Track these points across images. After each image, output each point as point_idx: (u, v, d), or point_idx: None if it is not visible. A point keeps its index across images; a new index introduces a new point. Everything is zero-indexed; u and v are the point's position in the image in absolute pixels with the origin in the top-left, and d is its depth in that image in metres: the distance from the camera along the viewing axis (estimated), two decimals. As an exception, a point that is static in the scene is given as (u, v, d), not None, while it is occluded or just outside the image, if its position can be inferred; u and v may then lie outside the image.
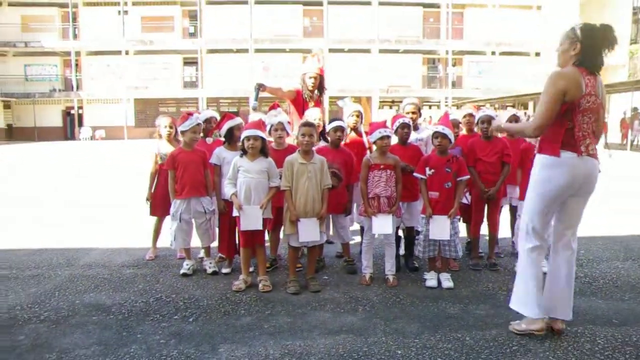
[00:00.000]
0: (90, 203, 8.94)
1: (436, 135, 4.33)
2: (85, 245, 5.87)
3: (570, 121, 3.10)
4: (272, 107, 4.84)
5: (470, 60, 37.43)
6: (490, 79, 36.33)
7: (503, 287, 4.29)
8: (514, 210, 5.20)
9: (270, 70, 35.56)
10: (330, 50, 34.33)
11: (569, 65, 3.12)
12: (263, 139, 4.24)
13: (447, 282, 4.29)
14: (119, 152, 23.31)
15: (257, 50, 35.32)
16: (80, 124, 35.84)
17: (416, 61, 37.23)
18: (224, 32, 35.18)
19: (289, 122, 4.75)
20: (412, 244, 4.93)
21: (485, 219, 4.91)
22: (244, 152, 4.23)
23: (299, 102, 5.42)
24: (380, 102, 36.54)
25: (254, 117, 4.83)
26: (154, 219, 5.32)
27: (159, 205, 5.15)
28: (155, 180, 5.21)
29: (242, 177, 4.19)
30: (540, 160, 3.23)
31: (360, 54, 35.41)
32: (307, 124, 4.28)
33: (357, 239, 5.40)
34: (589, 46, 3.04)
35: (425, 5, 36.72)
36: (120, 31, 34.90)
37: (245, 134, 4.19)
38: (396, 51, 36.50)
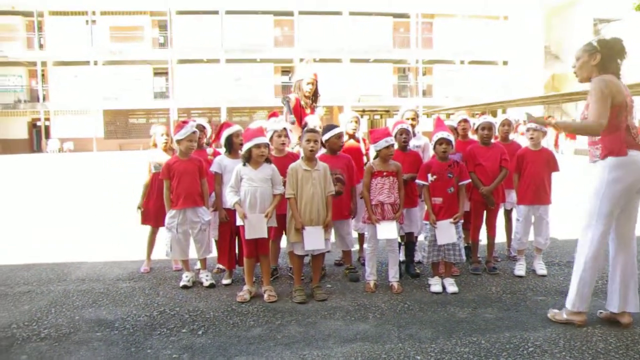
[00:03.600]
0: (72, 216, 8.69)
1: (441, 141, 4.37)
2: (73, 259, 5.69)
3: (624, 121, 3.32)
4: (272, 115, 4.81)
5: (440, 69, 38.14)
6: (459, 88, 37.06)
7: (507, 290, 4.34)
8: (508, 214, 5.29)
9: (241, 80, 35.49)
10: (301, 60, 34.48)
11: (593, 75, 3.37)
12: (268, 147, 4.22)
13: (451, 287, 4.31)
14: (90, 164, 22.76)
15: (228, 60, 35.21)
16: (47, 136, 34.91)
17: (387, 70, 37.72)
18: (195, 42, 34.95)
19: (291, 131, 4.73)
20: (412, 250, 4.97)
21: (484, 224, 4.98)
22: (247, 160, 4.19)
23: (297, 110, 5.42)
24: (353, 110, 36.93)
25: (255, 124, 4.80)
26: (148, 230, 5.20)
27: (152, 215, 5.05)
28: (148, 189, 5.12)
29: (247, 186, 4.15)
30: (607, 164, 3.35)
31: (332, 63, 35.65)
32: (312, 130, 4.27)
33: (356, 246, 5.39)
34: (608, 55, 3.34)
35: (395, 15, 37.29)
36: (89, 41, 34.27)
37: (254, 141, 4.14)
38: (367, 60, 36.92)
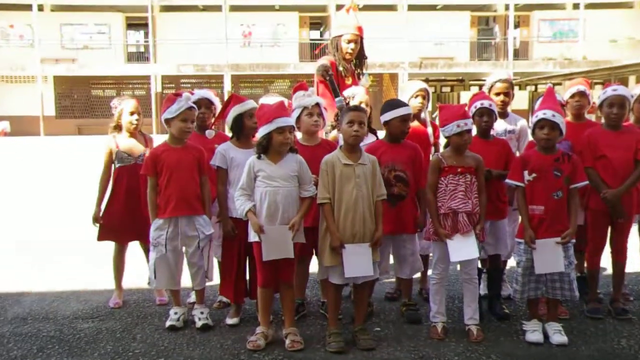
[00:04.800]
0: (7, 228, 8.96)
1: (542, 124, 4.37)
2: (10, 288, 5.85)
3: None
4: (299, 87, 4.89)
5: (542, 17, 37.61)
6: (570, 45, 36.43)
7: (643, 344, 4.33)
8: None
9: (252, 36, 35.79)
10: (338, 7, 34.48)
11: None
12: (293, 131, 4.33)
13: (558, 335, 4.31)
14: (35, 152, 23.09)
15: (234, 8, 35.47)
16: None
17: (462, 20, 37.44)
18: (185, -19, 35.38)
19: (324, 108, 4.82)
20: (499, 280, 4.99)
21: (607, 245, 4.94)
22: (264, 150, 4.29)
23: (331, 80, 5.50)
24: (412, 80, 36.72)
25: (266, 100, 4.91)
26: (112, 248, 5.37)
27: (116, 226, 5.21)
28: (110, 190, 5.29)
29: (263, 187, 4.25)
30: None
31: (382, 12, 35.54)
32: (356, 108, 4.33)
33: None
34: None
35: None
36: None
37: (275, 124, 4.22)
38: (433, 7, 36.75)
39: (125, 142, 5.27)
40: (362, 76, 5.84)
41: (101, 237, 5.31)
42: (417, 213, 4.80)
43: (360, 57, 5.68)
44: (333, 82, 5.40)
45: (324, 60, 5.65)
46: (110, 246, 5.41)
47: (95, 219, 5.25)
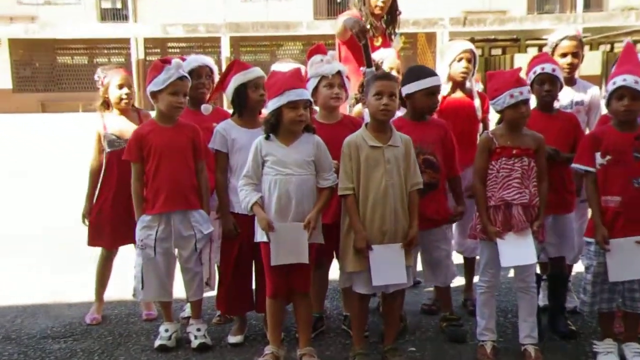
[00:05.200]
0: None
1: (621, 93, 4.31)
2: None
3: None
4: (315, 51, 4.91)
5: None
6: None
7: None
8: None
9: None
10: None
11: None
12: (311, 106, 4.35)
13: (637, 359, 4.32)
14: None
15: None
16: None
17: (517, -36, 37.20)
18: None
19: (347, 77, 4.84)
20: (563, 289, 5.00)
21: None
22: (273, 129, 4.32)
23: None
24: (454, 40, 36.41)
25: (279, 67, 4.93)
26: (97, 252, 5.42)
27: (106, 228, 5.25)
28: (100, 183, 5.33)
29: (273, 174, 4.28)
30: None
31: (417, -46, 35.43)
32: (385, 76, 4.35)
33: (458, 281, 5.49)
34: None
35: None
36: None
37: (287, 96, 4.23)
38: (480, -53, 36.52)
39: (115, 122, 5.30)
40: (394, 36, 5.86)
41: (93, 241, 5.35)
42: (446, 205, 4.84)
43: (392, 12, 5.71)
44: (368, 46, 5.38)
45: (346, 16, 5.65)
46: (89, 253, 5.48)
47: (85, 216, 5.32)
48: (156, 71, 4.72)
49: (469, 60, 5.25)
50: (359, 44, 5.49)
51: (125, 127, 5.25)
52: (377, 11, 5.65)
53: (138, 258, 4.79)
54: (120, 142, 5.20)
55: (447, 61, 5.26)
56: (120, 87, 5.30)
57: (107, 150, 5.26)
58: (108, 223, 5.23)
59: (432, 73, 4.83)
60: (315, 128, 4.44)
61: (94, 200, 5.34)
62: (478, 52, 5.62)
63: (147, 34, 35.73)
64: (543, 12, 37.64)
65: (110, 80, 5.33)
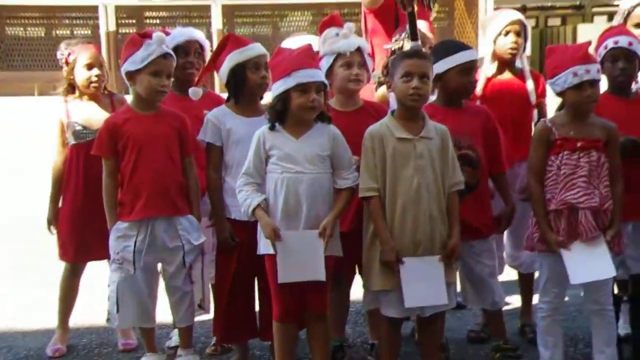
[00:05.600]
0: None
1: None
2: None
3: None
4: (329, 23, 4.95)
5: None
6: None
7: None
8: None
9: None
10: None
11: None
12: (325, 89, 4.38)
13: None
14: None
15: None
16: None
17: None
18: None
19: (369, 54, 4.89)
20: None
21: None
22: (279, 118, 4.36)
23: (389, 8, 5.58)
24: (498, 9, 36.35)
25: (291, 43, 4.97)
26: (62, 267, 5.45)
27: (71, 239, 5.28)
28: (65, 184, 5.36)
29: (279, 172, 4.32)
30: None
31: None
32: (415, 54, 4.38)
33: (514, 302, 5.54)
34: None
35: None
36: None
37: (296, 77, 4.23)
38: None
39: (82, 109, 5.30)
40: (433, 3, 5.89)
41: (63, 255, 5.35)
42: (490, 211, 4.85)
43: None
44: (415, 15, 5.26)
45: None
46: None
47: (51, 223, 5.34)
48: (133, 47, 4.72)
49: (517, 34, 5.22)
50: (389, 14, 5.56)
51: (95, 115, 5.24)
52: None
53: (113, 275, 4.79)
54: (88, 133, 5.20)
55: (491, 36, 5.24)
56: (90, 67, 5.28)
57: (72, 142, 5.27)
58: (73, 232, 5.23)
59: (465, 47, 4.86)
60: (330, 117, 4.45)
61: (55, 205, 5.36)
62: (531, 22, 5.62)
63: (120, 0, 35.74)
64: (610, -26, 37.47)
65: (76, 58, 5.30)
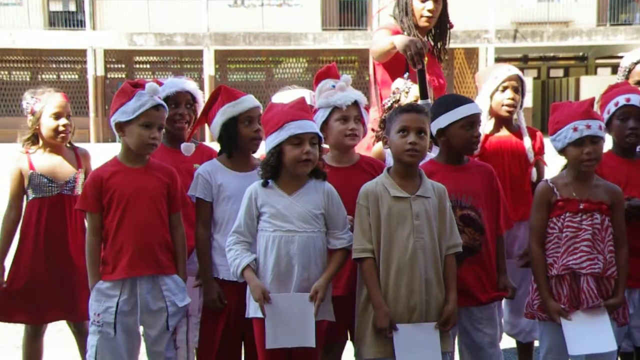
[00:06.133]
0: None
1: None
2: None
3: None
4: (325, 74, 4.95)
5: None
6: None
7: None
8: None
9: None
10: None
11: None
12: (320, 142, 4.35)
13: None
14: None
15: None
16: None
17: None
18: None
19: (365, 107, 4.87)
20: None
21: None
22: (272, 173, 4.32)
23: (400, 61, 5.53)
24: (499, 59, 36.50)
25: (282, 97, 4.96)
26: (21, 332, 5.39)
27: (28, 299, 5.21)
28: (18, 236, 5.32)
29: (271, 231, 4.27)
30: None
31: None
32: (412, 108, 4.35)
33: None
34: None
35: None
36: None
37: (290, 131, 4.21)
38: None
39: (45, 161, 5.28)
40: (444, 55, 5.89)
41: (6, 315, 5.29)
42: (494, 276, 4.76)
43: (442, 24, 5.77)
44: (425, 73, 5.26)
45: (384, 31, 5.71)
46: (13, 325, 5.46)
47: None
48: (125, 97, 4.65)
49: (515, 90, 5.24)
50: (400, 66, 5.55)
51: (59, 167, 5.25)
52: (422, 23, 5.69)
53: (92, 338, 4.68)
54: (52, 186, 5.22)
55: (488, 91, 5.26)
56: (57, 116, 5.28)
57: (32, 196, 5.25)
58: (32, 291, 5.16)
59: (467, 100, 4.82)
60: (326, 173, 4.42)
61: (12, 261, 5.29)
62: (533, 73, 5.62)
63: (109, 44, 35.92)
64: (617, 23, 37.72)
65: (43, 107, 5.29)
